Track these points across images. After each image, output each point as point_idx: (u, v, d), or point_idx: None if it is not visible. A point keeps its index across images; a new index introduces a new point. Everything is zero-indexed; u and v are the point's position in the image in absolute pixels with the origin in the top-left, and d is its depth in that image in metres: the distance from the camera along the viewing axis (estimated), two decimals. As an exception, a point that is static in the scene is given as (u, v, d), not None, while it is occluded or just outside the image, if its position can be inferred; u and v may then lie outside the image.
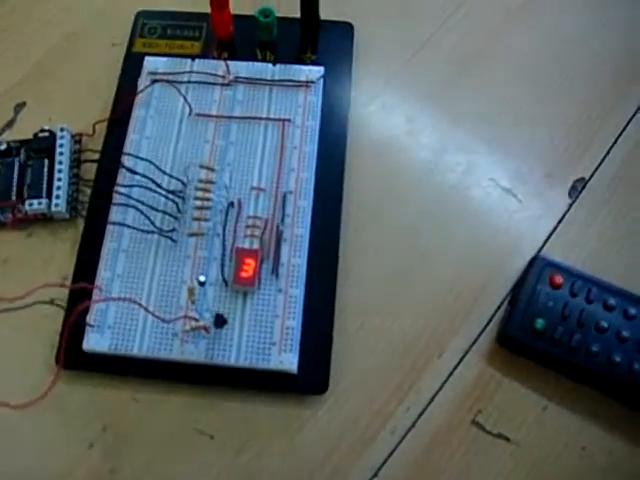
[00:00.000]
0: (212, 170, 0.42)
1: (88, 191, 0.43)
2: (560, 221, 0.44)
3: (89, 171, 0.44)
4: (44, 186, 0.42)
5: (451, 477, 0.39)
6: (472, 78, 0.48)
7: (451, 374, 0.40)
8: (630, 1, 0.51)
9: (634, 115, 0.47)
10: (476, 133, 0.46)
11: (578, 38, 0.49)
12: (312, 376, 0.39)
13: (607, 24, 0.50)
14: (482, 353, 0.41)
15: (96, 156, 0.44)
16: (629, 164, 0.45)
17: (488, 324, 0.42)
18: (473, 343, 0.41)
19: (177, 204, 0.41)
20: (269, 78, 0.44)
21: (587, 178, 0.45)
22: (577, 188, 0.45)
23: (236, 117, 0.43)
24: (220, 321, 0.38)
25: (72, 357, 0.39)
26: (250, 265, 0.39)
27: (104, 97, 0.45)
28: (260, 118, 0.43)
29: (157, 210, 0.41)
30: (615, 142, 0.46)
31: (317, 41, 0.46)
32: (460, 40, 0.49)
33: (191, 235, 0.40)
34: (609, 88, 0.48)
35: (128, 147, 0.43)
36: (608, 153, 0.46)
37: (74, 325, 0.37)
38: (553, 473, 0.39)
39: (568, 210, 0.44)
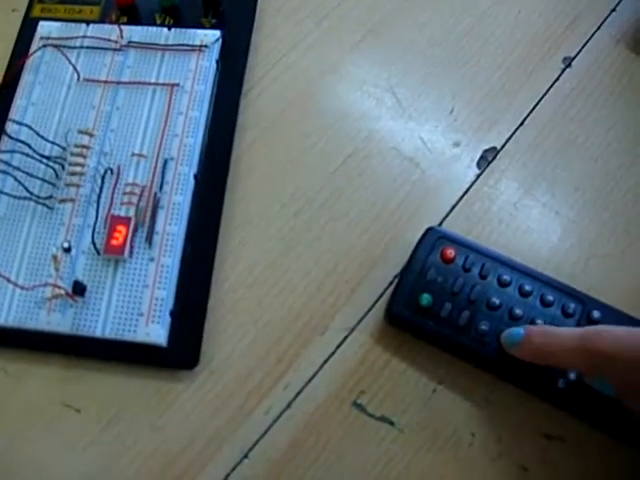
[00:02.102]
0: (91, 135, 0.40)
1: (-26, 159, 0.42)
2: (465, 193, 0.41)
3: (-22, 138, 0.42)
4: None
5: (326, 462, 0.36)
6: (378, 46, 0.45)
7: (334, 352, 0.38)
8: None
9: (554, 83, 0.44)
10: (380, 100, 0.43)
11: (492, 7, 0.46)
12: (182, 349, 0.37)
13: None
14: (370, 331, 0.39)
15: (-15, 123, 0.42)
16: (544, 134, 0.43)
17: (378, 301, 0.39)
18: (360, 320, 0.39)
19: (55, 170, 0.39)
20: (162, 42, 0.43)
21: (499, 148, 0.42)
22: (487, 158, 0.42)
23: (124, 82, 0.42)
24: (79, 288, 0.36)
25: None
26: (121, 233, 0.38)
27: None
28: (149, 83, 0.42)
29: (35, 177, 0.39)
30: (532, 110, 0.43)
31: (219, 5, 0.44)
32: (368, 8, 0.46)
33: (62, 201, 0.39)
34: (527, 56, 0.45)
35: (13, 113, 0.41)
36: (523, 122, 0.43)
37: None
38: (439, 460, 0.36)
39: (475, 181, 0.41)
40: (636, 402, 0.32)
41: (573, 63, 0.44)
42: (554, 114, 0.43)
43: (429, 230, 0.38)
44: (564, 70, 0.44)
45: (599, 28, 0.45)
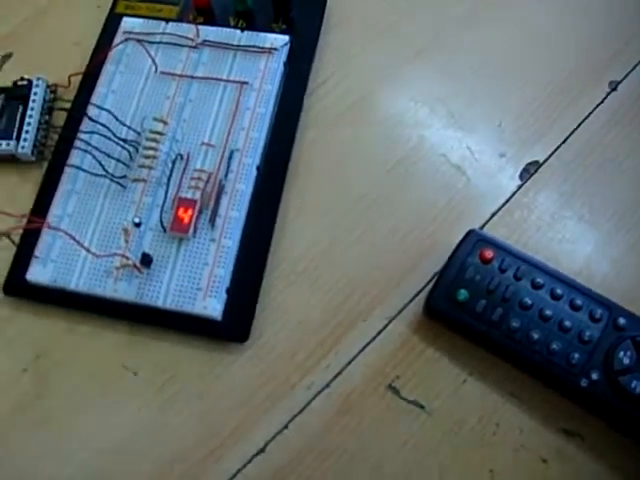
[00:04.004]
0: (165, 123, 0.44)
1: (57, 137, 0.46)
2: (506, 202, 0.44)
3: (61, 119, 0.46)
4: (15, 130, 0.45)
5: (359, 439, 0.39)
6: (435, 60, 0.48)
7: (374, 338, 0.41)
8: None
9: (599, 104, 0.46)
10: (433, 110, 0.46)
11: (543, 30, 0.49)
12: (235, 324, 0.40)
13: (576, 11, 0.50)
14: (408, 322, 0.41)
15: (68, 105, 0.46)
16: (586, 152, 0.45)
17: (418, 294, 0.42)
18: (400, 311, 0.42)
19: (130, 152, 0.43)
20: (235, 43, 0.46)
21: (541, 162, 0.45)
22: (529, 171, 0.45)
23: (198, 77, 0.45)
24: (146, 260, 0.40)
25: (16, 286, 0.41)
26: (187, 214, 0.41)
27: (84, 54, 0.48)
28: (220, 80, 0.45)
29: (111, 157, 0.43)
30: (576, 129, 0.46)
31: (289, 12, 0.48)
32: (427, 24, 0.49)
33: (134, 181, 0.42)
34: (574, 77, 0.47)
35: (95, 98, 0.45)
36: (567, 139, 0.45)
37: (24, 257, 0.41)
38: (463, 444, 0.39)
39: (516, 192, 0.44)
40: None
41: (619, 87, 0.47)
42: (597, 134, 0.45)
43: (470, 232, 0.41)
44: (610, 93, 0.47)
45: (646, 55, 0.48)
